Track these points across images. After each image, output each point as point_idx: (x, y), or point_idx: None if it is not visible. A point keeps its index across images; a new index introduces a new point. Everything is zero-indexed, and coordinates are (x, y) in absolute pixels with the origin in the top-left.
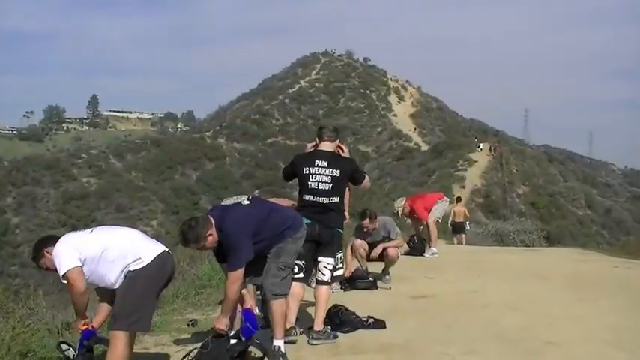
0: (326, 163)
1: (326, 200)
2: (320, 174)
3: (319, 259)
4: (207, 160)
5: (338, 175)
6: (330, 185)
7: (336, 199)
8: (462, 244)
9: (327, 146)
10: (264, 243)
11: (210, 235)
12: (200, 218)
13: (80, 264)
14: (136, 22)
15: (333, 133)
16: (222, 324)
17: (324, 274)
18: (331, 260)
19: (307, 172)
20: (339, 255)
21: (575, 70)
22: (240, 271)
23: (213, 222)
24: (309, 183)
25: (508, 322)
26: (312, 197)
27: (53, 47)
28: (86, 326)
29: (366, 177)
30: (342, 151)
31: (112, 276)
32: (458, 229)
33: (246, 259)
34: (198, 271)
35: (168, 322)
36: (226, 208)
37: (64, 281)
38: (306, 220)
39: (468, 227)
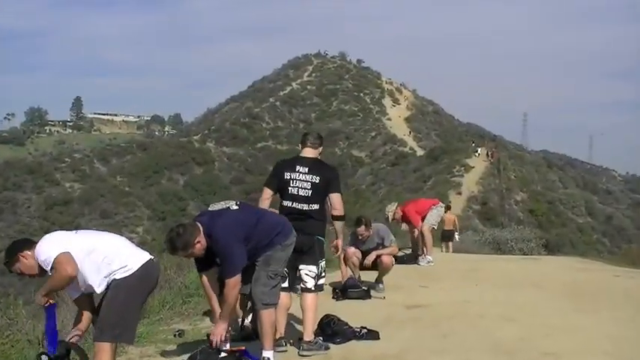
0: (306, 169)
1: (305, 207)
2: (300, 179)
3: (300, 267)
4: (195, 165)
5: (318, 181)
6: (310, 192)
7: (315, 206)
8: (448, 251)
9: (309, 152)
10: (253, 250)
11: (198, 242)
12: (188, 225)
13: (67, 250)
14: (123, 20)
15: (317, 140)
16: (222, 329)
17: (307, 282)
18: (313, 268)
19: (288, 177)
20: (322, 263)
21: (574, 71)
22: (238, 277)
23: (201, 228)
24: (290, 188)
25: (505, 332)
26: (291, 203)
27: (35, 47)
28: (52, 302)
29: (339, 196)
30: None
31: (95, 281)
32: (446, 237)
33: (241, 264)
34: (185, 279)
35: (154, 333)
36: (215, 213)
37: (52, 272)
38: None
39: (457, 238)
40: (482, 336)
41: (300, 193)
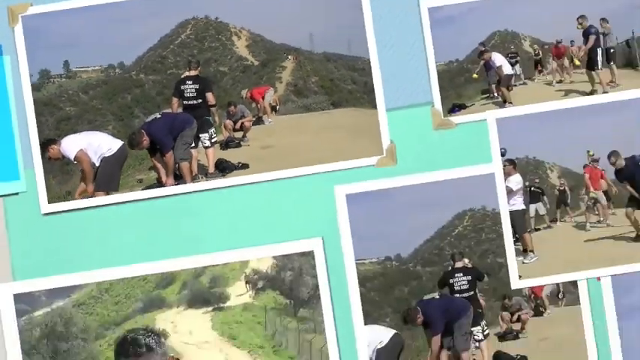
0: (191, 82)
1: (194, 102)
2: (189, 88)
3: (199, 136)
4: (134, 87)
5: (198, 87)
6: (195, 93)
7: (200, 100)
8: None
9: (192, 72)
10: (173, 136)
11: (144, 140)
12: (136, 131)
13: (81, 148)
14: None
15: (195, 64)
16: (170, 181)
17: (205, 142)
18: (205, 134)
19: (182, 88)
20: (211, 130)
21: None
22: (171, 152)
23: (143, 132)
24: (185, 94)
25: (321, 154)
26: (187, 101)
27: None
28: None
29: (211, 94)
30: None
31: (95, 159)
32: (273, 108)
33: (170, 144)
34: (138, 152)
35: (125, 183)
36: (149, 122)
37: (76, 162)
38: None
39: (278, 108)
40: (309, 155)
41: (190, 95)
